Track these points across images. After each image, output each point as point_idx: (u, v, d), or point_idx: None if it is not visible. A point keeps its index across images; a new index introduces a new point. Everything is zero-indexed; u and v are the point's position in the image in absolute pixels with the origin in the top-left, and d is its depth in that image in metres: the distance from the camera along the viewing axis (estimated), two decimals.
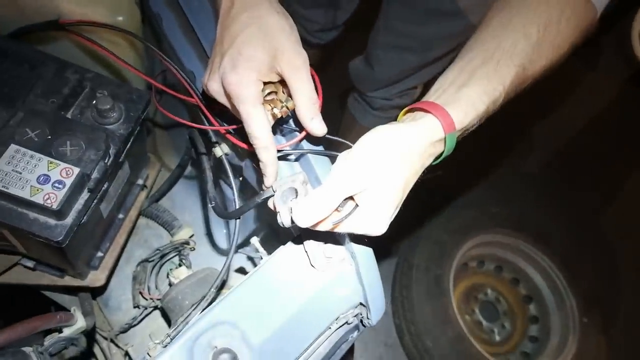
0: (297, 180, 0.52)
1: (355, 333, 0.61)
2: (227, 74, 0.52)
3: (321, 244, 0.58)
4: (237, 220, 0.59)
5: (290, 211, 0.49)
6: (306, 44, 1.48)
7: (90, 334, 0.75)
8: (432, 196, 2.03)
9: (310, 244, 0.58)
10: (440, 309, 1.54)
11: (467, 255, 1.75)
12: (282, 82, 0.55)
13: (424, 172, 0.54)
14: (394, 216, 0.53)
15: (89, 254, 0.67)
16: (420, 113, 0.53)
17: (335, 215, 0.50)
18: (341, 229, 0.51)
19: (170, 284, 0.74)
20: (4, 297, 0.82)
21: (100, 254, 0.70)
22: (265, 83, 0.54)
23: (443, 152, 0.54)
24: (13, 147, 0.53)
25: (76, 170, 0.54)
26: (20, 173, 0.52)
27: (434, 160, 0.55)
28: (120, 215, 0.74)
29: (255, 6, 0.54)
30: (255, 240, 0.63)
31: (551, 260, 1.76)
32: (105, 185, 0.59)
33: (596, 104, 2.54)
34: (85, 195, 0.56)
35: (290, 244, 0.60)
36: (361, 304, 0.60)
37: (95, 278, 0.69)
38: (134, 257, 0.80)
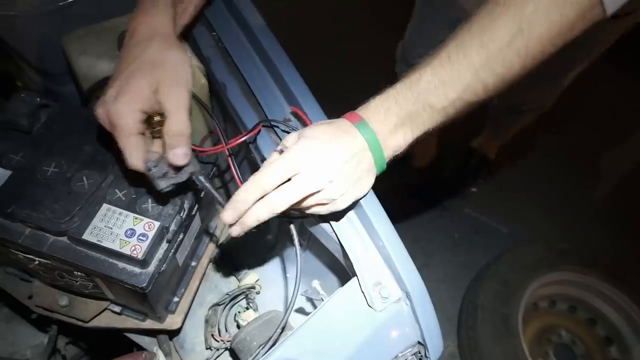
0: None
1: None
2: (109, 104, 0.54)
3: (377, 284, 0.61)
4: (300, 266, 0.64)
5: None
6: None
7: None
8: (495, 233, 1.99)
9: (366, 284, 0.61)
10: (509, 351, 1.47)
11: (536, 295, 1.67)
12: None
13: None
14: (337, 182, 0.56)
15: (167, 299, 0.74)
16: None
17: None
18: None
19: (238, 326, 0.80)
20: (94, 340, 0.91)
21: (176, 298, 0.77)
22: (155, 115, 0.58)
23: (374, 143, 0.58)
24: (105, 206, 0.62)
25: (157, 224, 0.61)
26: (111, 228, 0.60)
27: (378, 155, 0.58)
28: (193, 263, 0.81)
29: (149, 40, 0.58)
30: (316, 284, 0.67)
31: (630, 298, 1.65)
32: (181, 236, 0.66)
33: None
34: (164, 245, 0.63)
35: (348, 286, 0.63)
36: (419, 342, 0.62)
37: (172, 321, 0.75)
38: (206, 302, 0.86)
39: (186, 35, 0.80)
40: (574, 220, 2.02)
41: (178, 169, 0.57)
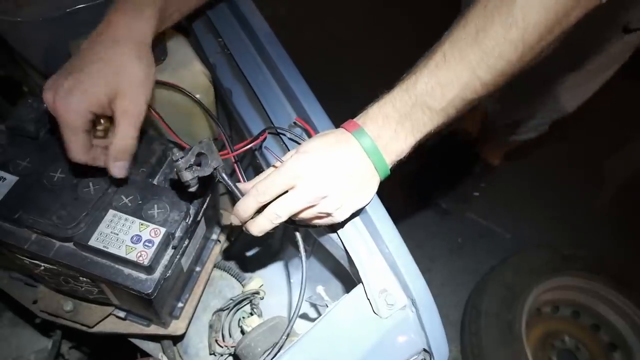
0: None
1: None
2: (60, 97, 0.54)
3: (383, 291, 0.61)
4: (305, 272, 0.64)
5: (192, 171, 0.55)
6: None
7: None
8: (499, 237, 1.98)
9: (372, 291, 0.61)
10: (513, 357, 1.47)
11: (539, 300, 1.67)
12: None
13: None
14: (335, 190, 0.57)
15: (171, 305, 0.74)
16: None
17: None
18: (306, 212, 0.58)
19: (242, 332, 0.80)
20: (98, 344, 0.91)
21: (180, 304, 0.77)
22: (102, 118, 0.60)
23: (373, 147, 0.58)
24: (111, 212, 0.62)
25: (163, 230, 0.61)
26: (117, 234, 0.60)
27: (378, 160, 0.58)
28: (198, 268, 0.81)
29: (118, 43, 0.57)
30: (321, 289, 0.67)
31: (636, 304, 1.64)
32: (186, 242, 0.66)
33: None
34: (170, 251, 0.63)
35: (353, 292, 0.63)
36: (425, 349, 0.61)
37: (176, 327, 0.75)
38: (210, 307, 0.86)
39: (187, 34, 0.81)
40: (578, 225, 2.02)
41: (203, 163, 0.57)
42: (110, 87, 0.55)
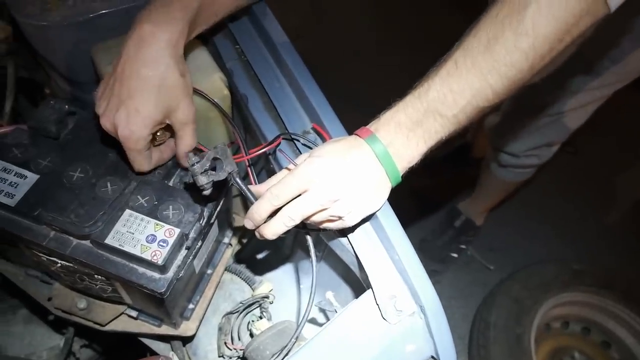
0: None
1: None
2: (121, 126, 0.59)
3: (392, 297, 0.62)
4: (315, 277, 0.64)
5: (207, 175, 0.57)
6: None
7: None
8: (509, 250, 1.97)
9: (381, 297, 0.62)
10: None
11: (549, 315, 1.65)
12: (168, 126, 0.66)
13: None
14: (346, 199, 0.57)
15: (183, 306, 0.75)
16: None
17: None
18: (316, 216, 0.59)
19: (251, 335, 0.80)
20: (109, 344, 0.93)
21: (191, 305, 0.78)
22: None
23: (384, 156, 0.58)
24: (128, 211, 0.63)
25: (177, 230, 0.63)
26: (133, 234, 0.62)
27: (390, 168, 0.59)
28: (209, 271, 0.82)
29: (158, 61, 0.60)
30: (330, 295, 0.68)
31: None
32: (199, 244, 0.68)
33: None
34: (183, 252, 0.64)
35: (362, 298, 0.64)
36: (432, 357, 0.62)
37: (187, 328, 0.76)
38: (220, 310, 0.87)
39: (205, 41, 0.82)
40: (589, 240, 2.00)
41: (218, 167, 0.59)
42: (163, 107, 0.61)
